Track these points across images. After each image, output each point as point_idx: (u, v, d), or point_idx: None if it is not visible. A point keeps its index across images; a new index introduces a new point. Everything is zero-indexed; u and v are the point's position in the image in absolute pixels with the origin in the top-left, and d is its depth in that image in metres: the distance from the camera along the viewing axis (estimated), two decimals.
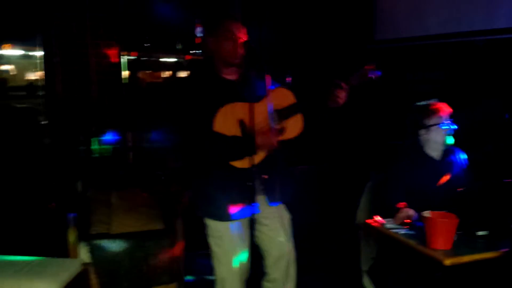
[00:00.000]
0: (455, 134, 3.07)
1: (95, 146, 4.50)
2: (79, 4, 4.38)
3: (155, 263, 3.47)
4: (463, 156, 3.21)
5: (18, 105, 4.65)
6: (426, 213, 2.57)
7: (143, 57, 4.93)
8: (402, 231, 2.75)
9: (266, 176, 2.71)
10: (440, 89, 4.40)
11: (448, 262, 2.41)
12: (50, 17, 4.32)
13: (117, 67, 4.62)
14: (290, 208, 2.95)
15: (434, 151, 3.12)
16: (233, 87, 2.69)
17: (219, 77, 2.72)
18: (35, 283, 2.92)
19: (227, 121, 2.58)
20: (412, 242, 2.63)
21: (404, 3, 4.77)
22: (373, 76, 2.66)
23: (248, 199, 2.48)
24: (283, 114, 2.67)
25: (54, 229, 3.89)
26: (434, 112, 3.06)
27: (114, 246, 3.49)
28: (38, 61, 4.52)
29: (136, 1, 4.84)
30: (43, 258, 3.25)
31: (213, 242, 2.80)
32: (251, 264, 2.79)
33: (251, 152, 2.48)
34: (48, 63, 4.41)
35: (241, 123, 2.59)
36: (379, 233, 2.92)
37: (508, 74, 3.92)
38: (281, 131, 2.67)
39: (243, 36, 2.64)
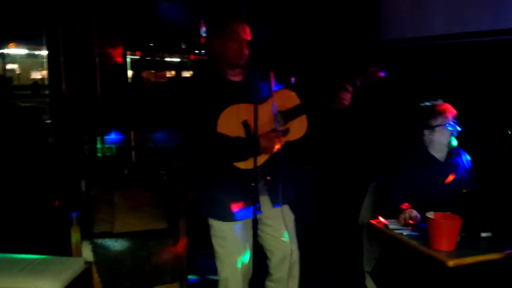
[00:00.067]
0: (459, 135, 3.06)
1: (99, 145, 4.51)
2: (84, 4, 4.39)
3: (158, 263, 3.47)
4: (467, 157, 3.20)
5: (23, 104, 4.67)
6: (430, 214, 2.56)
7: (147, 57, 4.93)
8: (406, 232, 2.74)
9: (269, 177, 2.70)
10: (445, 89, 4.38)
11: (451, 263, 2.39)
12: (55, 16, 4.33)
13: (122, 67, 4.62)
14: (294, 209, 2.95)
15: (438, 152, 3.10)
16: (237, 88, 2.69)
17: (223, 78, 2.72)
18: (39, 281, 2.93)
19: (231, 122, 2.58)
20: (415, 243, 2.62)
21: (410, 3, 4.75)
22: (380, 75, 2.65)
23: (252, 199, 2.48)
24: (287, 115, 2.67)
25: (58, 227, 3.91)
26: (440, 112, 3.05)
27: (117, 245, 3.50)
28: (43, 60, 4.52)
29: (142, 0, 4.85)
30: (47, 256, 3.26)
31: (216, 242, 2.80)
32: (254, 264, 2.79)
33: (255, 153, 2.47)
34: (53, 62, 4.42)
35: (245, 124, 2.59)
36: (382, 233, 2.91)
37: None
38: (285, 132, 2.67)
39: (248, 37, 2.64)
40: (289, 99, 2.68)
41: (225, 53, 2.66)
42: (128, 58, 4.65)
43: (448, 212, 2.64)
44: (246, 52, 2.62)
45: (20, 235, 3.97)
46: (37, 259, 3.18)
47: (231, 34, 2.63)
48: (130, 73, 4.72)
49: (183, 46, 4.97)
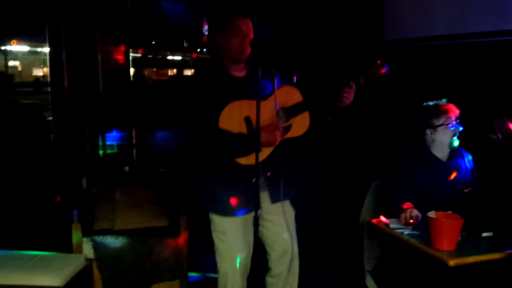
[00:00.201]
0: (461, 135, 3.06)
1: (100, 142, 4.51)
2: (87, 1, 4.39)
3: (158, 260, 3.47)
4: (469, 158, 3.20)
5: (25, 101, 4.67)
6: (431, 214, 2.56)
7: (149, 55, 4.93)
8: (406, 231, 2.74)
9: (269, 173, 2.71)
10: (448, 90, 4.37)
11: (452, 263, 2.39)
12: (58, 13, 4.33)
13: (125, 64, 4.62)
14: (295, 207, 2.95)
15: (441, 152, 3.10)
16: (240, 84, 2.69)
17: (226, 74, 2.73)
18: (39, 278, 2.94)
19: (233, 118, 2.58)
20: (416, 243, 2.62)
21: (413, 3, 4.75)
22: (384, 72, 2.64)
23: (252, 195, 2.48)
24: (290, 112, 2.67)
25: (59, 224, 3.91)
26: (443, 112, 3.05)
27: (117, 242, 3.50)
28: (44, 57, 4.52)
29: None
30: (47, 253, 3.27)
31: (216, 237, 2.81)
32: (254, 259, 2.80)
33: (256, 149, 2.47)
34: (55, 59, 4.42)
35: (247, 120, 2.59)
36: (383, 233, 2.91)
37: None
38: (287, 129, 2.66)
39: (250, 32, 2.64)
40: (291, 95, 2.67)
41: (227, 48, 2.66)
42: (130, 56, 4.65)
43: (449, 212, 2.64)
44: (249, 47, 2.62)
45: (21, 232, 3.97)
46: (38, 255, 3.19)
47: (233, 29, 2.63)
48: (131, 71, 4.72)
49: (185, 44, 4.97)
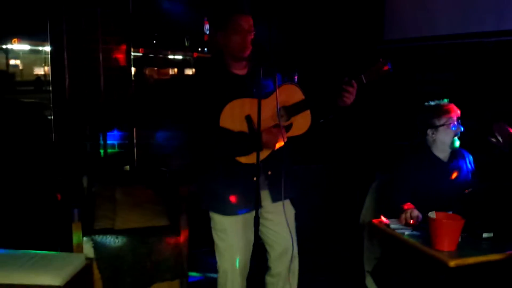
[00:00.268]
0: (462, 135, 3.06)
1: (101, 141, 4.51)
2: (89, 0, 4.39)
3: (158, 260, 3.47)
4: (470, 158, 3.19)
5: (26, 100, 4.67)
6: (432, 214, 2.56)
7: (150, 54, 4.93)
8: (407, 232, 2.74)
9: (270, 172, 2.71)
10: (449, 90, 4.37)
11: (452, 263, 2.39)
12: (60, 11, 4.33)
13: (126, 63, 4.62)
14: (295, 207, 2.95)
15: (441, 152, 3.10)
16: (241, 82, 2.69)
17: (228, 72, 2.72)
18: (39, 277, 2.94)
19: (235, 116, 2.58)
20: (416, 243, 2.61)
21: (414, 3, 4.74)
22: (386, 70, 2.63)
23: (253, 194, 2.48)
24: (291, 110, 2.66)
25: (59, 223, 3.91)
26: (444, 112, 3.04)
27: (118, 241, 3.49)
28: (45, 56, 4.52)
29: None
30: (48, 252, 3.27)
31: (217, 235, 2.81)
32: (254, 258, 2.80)
33: (257, 148, 2.47)
34: (56, 58, 4.42)
35: (248, 119, 2.59)
36: (383, 233, 2.90)
37: None
38: (289, 127, 2.66)
39: (251, 29, 2.63)
40: (293, 94, 2.67)
41: (229, 45, 2.65)
42: (131, 55, 4.65)
43: (449, 212, 2.64)
44: (250, 44, 2.62)
45: (21, 231, 3.97)
46: (38, 254, 3.19)
47: (234, 26, 2.62)
48: (133, 70, 4.72)
49: (186, 44, 4.97)
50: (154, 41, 4.85)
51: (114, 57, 4.54)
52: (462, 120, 3.05)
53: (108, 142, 4.54)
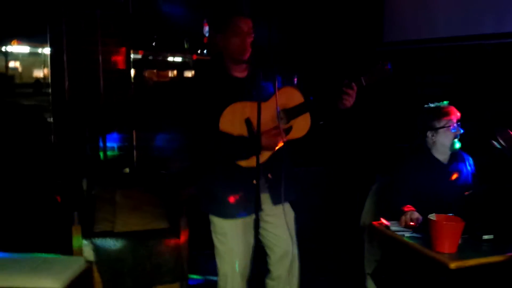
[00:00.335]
0: (462, 137, 3.06)
1: (101, 144, 4.51)
2: (88, 2, 4.39)
3: (158, 262, 3.47)
4: (470, 160, 3.19)
5: (25, 102, 4.65)
6: (432, 216, 2.56)
7: (149, 56, 4.93)
8: (407, 234, 2.74)
9: (270, 175, 2.70)
10: (448, 92, 4.37)
11: (453, 265, 2.39)
12: (59, 13, 4.33)
13: (126, 65, 4.62)
14: (295, 209, 2.95)
15: (441, 154, 3.10)
16: (241, 85, 2.69)
17: (227, 75, 2.72)
18: (39, 280, 2.94)
19: (234, 119, 2.58)
20: (417, 245, 2.61)
21: (414, 5, 4.75)
22: (387, 72, 2.63)
23: (253, 197, 2.47)
24: (290, 113, 2.66)
25: (59, 226, 3.91)
26: (444, 114, 3.05)
27: (118, 244, 3.49)
28: (45, 58, 4.52)
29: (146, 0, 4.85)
30: (48, 255, 3.26)
31: (217, 239, 2.81)
32: (254, 261, 2.79)
33: (257, 152, 2.47)
34: (56, 60, 4.42)
35: (248, 122, 2.58)
36: (383, 235, 2.90)
37: None
38: (288, 130, 2.66)
39: (251, 31, 2.63)
40: (292, 97, 2.67)
41: (228, 48, 2.65)
42: (131, 57, 4.65)
43: (450, 214, 2.64)
44: (250, 47, 2.61)
45: (21, 234, 3.96)
46: (38, 258, 3.19)
47: (234, 29, 2.62)
48: (132, 72, 4.72)
49: (185, 46, 4.96)
50: (154, 43, 4.84)
51: (114, 59, 4.54)
52: (461, 122, 3.05)
53: (108, 144, 4.54)
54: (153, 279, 3.46)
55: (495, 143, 2.91)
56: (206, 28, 4.85)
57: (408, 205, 2.88)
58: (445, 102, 3.12)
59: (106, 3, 4.43)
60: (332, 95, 2.63)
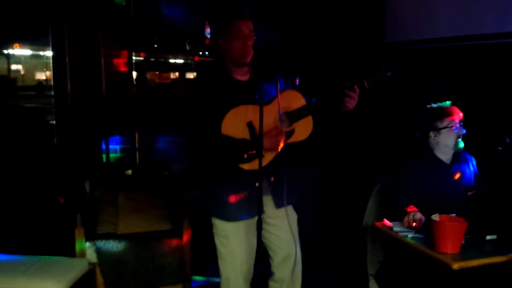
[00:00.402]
0: (465, 138, 3.05)
1: (103, 146, 4.51)
2: (90, 4, 4.40)
3: (161, 264, 3.47)
4: (473, 160, 3.19)
5: (28, 105, 4.67)
6: (435, 217, 2.55)
7: (151, 58, 4.94)
8: (410, 235, 2.73)
9: (273, 178, 2.70)
10: (451, 92, 4.37)
11: (456, 266, 2.38)
12: (61, 16, 4.34)
13: (128, 68, 4.63)
14: (298, 211, 2.94)
15: (444, 154, 3.09)
16: (243, 88, 2.68)
17: (229, 78, 2.71)
18: (42, 282, 2.94)
19: (236, 123, 2.57)
20: (420, 246, 2.61)
21: (415, 5, 4.74)
22: (389, 76, 2.63)
23: (255, 200, 2.47)
24: (293, 116, 2.66)
25: (62, 228, 3.91)
26: (447, 114, 3.04)
27: (120, 246, 3.50)
28: (47, 60, 4.53)
29: (147, 2, 4.85)
30: (50, 257, 3.26)
31: (219, 241, 2.80)
32: (257, 264, 2.79)
33: (259, 155, 2.46)
34: (58, 63, 4.43)
35: (250, 125, 2.58)
36: (386, 236, 2.90)
37: None
38: (291, 133, 2.66)
39: (252, 34, 2.63)
40: (294, 100, 2.66)
41: (230, 51, 2.64)
42: (133, 59, 4.66)
43: (453, 215, 2.63)
44: (251, 49, 2.62)
45: (24, 236, 3.97)
46: (41, 260, 3.19)
47: (235, 32, 2.61)
48: (134, 74, 4.73)
49: (187, 48, 4.97)
50: (155, 45, 4.85)
51: (116, 62, 4.55)
52: (464, 122, 3.05)
53: (110, 146, 4.55)
54: (156, 280, 3.46)
55: (508, 142, 2.90)
56: (208, 30, 4.86)
57: (411, 206, 2.87)
58: (448, 102, 3.11)
59: (107, 6, 4.44)
60: (334, 97, 2.62)
